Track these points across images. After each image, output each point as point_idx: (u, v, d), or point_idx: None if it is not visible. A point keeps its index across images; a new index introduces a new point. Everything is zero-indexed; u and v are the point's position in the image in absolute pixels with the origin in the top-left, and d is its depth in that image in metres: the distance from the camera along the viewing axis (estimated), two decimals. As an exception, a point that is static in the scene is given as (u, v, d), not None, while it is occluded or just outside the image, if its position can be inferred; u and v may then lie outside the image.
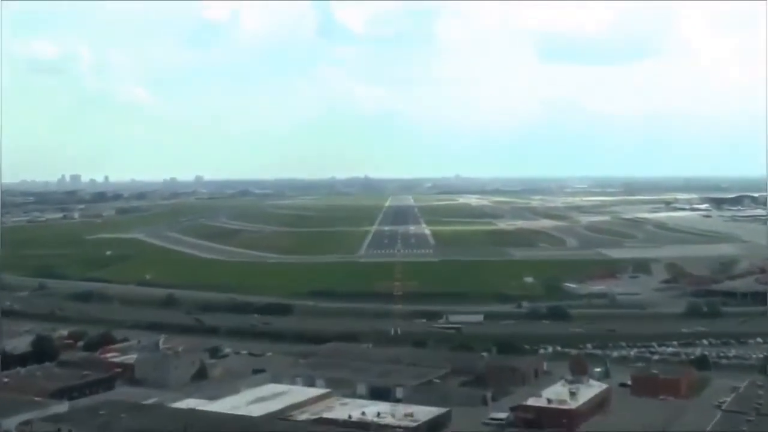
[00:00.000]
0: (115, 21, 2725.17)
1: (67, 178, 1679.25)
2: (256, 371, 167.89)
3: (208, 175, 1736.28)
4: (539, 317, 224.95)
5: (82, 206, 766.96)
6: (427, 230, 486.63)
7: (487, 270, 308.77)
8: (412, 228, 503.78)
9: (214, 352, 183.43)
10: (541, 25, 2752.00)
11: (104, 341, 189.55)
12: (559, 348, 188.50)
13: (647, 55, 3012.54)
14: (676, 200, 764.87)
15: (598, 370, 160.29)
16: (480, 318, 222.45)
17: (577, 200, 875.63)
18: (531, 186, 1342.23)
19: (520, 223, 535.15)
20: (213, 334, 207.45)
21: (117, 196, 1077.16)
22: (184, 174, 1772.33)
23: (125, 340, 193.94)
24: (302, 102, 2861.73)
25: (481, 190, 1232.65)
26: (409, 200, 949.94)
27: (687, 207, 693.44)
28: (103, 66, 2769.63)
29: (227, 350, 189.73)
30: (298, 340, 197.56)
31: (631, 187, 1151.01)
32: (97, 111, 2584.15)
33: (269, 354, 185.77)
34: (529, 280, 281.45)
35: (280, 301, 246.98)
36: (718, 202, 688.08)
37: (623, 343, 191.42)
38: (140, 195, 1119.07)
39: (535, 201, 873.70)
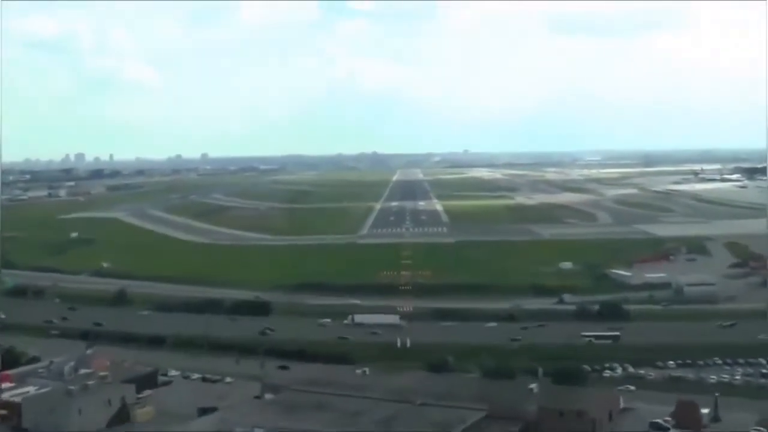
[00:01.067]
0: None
1: (71, 157, 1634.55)
2: (203, 411, 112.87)
3: (214, 153, 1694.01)
4: (589, 317, 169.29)
5: (72, 184, 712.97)
6: (438, 206, 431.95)
7: (513, 253, 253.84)
8: (421, 204, 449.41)
9: (149, 379, 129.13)
10: None
11: (2, 363, 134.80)
12: (630, 368, 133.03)
13: (657, 28, 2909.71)
14: (703, 171, 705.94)
15: (704, 412, 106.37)
16: (395, 319, 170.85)
17: (593, 173, 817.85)
18: (542, 160, 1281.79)
19: (541, 197, 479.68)
20: (160, 346, 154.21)
21: (115, 174, 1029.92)
22: (190, 152, 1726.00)
23: (35, 359, 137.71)
24: (309, 78, 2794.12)
25: (491, 164, 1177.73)
26: (418, 174, 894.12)
27: (717, 177, 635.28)
28: (108, 43, 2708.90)
29: (172, 373, 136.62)
30: (272, 354, 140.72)
31: (648, 159, 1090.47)
32: (102, 89, 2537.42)
33: (229, 379, 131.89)
34: (566, 265, 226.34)
35: (259, 297, 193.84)
36: (750, 172, 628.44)
37: (718, 360, 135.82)
38: (139, 172, 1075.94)
39: (550, 174, 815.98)
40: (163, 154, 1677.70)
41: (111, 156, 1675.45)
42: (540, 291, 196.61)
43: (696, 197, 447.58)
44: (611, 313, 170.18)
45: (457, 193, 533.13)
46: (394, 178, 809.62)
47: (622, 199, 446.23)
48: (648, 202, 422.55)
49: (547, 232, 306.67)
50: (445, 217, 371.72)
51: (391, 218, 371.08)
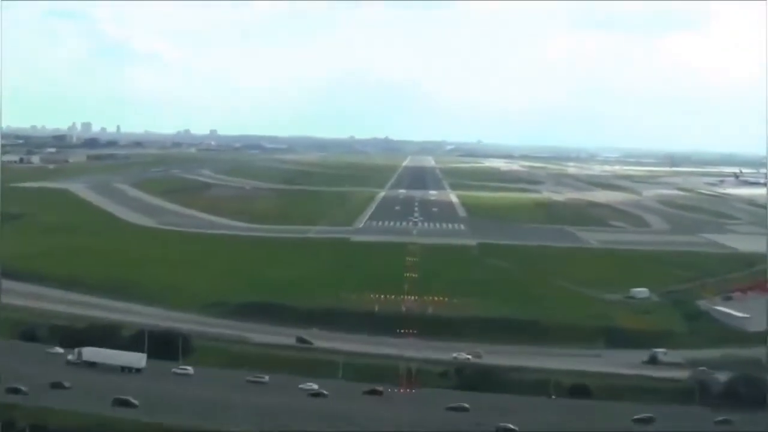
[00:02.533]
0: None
1: (78, 126, 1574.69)
2: None
3: (224, 130, 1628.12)
4: (714, 396, 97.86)
5: (52, 150, 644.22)
6: (453, 196, 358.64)
7: (557, 266, 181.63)
8: (433, 193, 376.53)
9: None
10: None
11: None
12: None
13: (678, 28, 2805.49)
14: (742, 173, 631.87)
15: None
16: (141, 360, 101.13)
17: (617, 169, 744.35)
18: (558, 154, 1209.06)
19: (571, 193, 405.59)
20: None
21: (111, 143, 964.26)
22: (200, 128, 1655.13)
23: None
24: (323, 61, 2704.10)
25: (507, 155, 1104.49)
26: (430, 161, 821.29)
27: (761, 181, 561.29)
28: (122, 14, 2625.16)
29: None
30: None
31: (673, 159, 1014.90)
32: (114, 60, 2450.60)
33: None
34: (640, 292, 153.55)
35: (173, 327, 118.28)
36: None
37: None
38: (137, 143, 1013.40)
39: (572, 168, 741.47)
40: (171, 129, 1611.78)
41: (118, 127, 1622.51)
42: (614, 336, 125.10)
43: (752, 202, 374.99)
44: (753, 391, 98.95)
45: (474, 183, 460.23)
46: (404, 163, 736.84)
47: (668, 200, 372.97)
48: (700, 206, 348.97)
49: (593, 237, 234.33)
50: (461, 211, 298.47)
51: (396, 208, 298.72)
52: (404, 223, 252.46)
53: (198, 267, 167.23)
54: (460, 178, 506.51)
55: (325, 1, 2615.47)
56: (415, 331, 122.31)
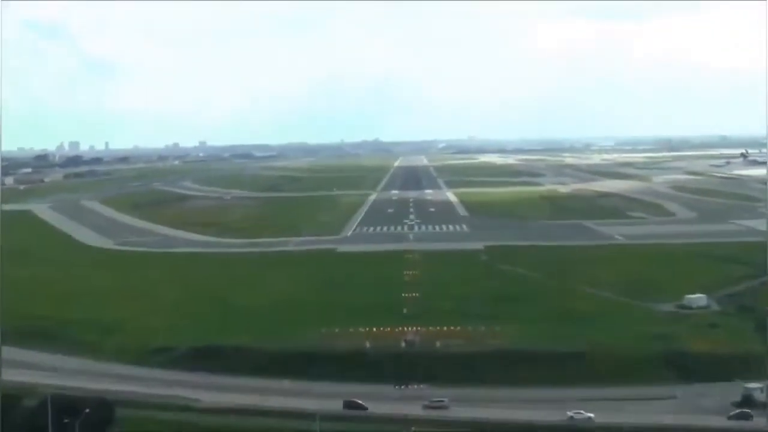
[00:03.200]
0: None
1: (66, 146, 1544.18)
2: None
3: (214, 141, 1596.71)
4: None
5: (27, 170, 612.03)
6: (451, 196, 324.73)
7: (584, 269, 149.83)
8: (429, 193, 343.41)
9: None
10: None
11: None
12: None
13: (667, 13, 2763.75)
14: (749, 153, 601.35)
15: None
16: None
17: (617, 157, 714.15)
18: (551, 146, 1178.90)
19: (576, 184, 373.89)
20: None
21: (95, 160, 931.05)
22: (189, 140, 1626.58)
23: None
24: (310, 66, 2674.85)
25: (500, 150, 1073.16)
26: (422, 160, 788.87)
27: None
28: (104, 30, 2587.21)
29: None
30: None
31: (671, 144, 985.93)
32: (99, 77, 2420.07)
33: None
34: (697, 300, 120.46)
35: (94, 390, 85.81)
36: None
37: None
38: (122, 159, 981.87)
39: (569, 158, 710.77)
40: (160, 143, 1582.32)
41: (106, 144, 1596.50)
42: (683, 366, 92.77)
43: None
44: None
45: (471, 179, 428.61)
46: (396, 164, 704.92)
47: (681, 185, 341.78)
48: (718, 189, 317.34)
49: (616, 232, 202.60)
50: (461, 210, 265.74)
51: (390, 211, 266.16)
52: (399, 228, 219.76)
53: (147, 298, 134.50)
54: (455, 175, 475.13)
55: (308, 2, 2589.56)
56: (419, 377, 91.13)
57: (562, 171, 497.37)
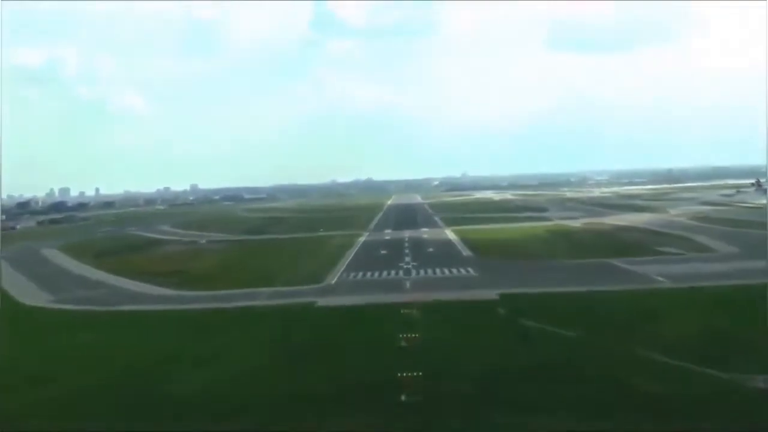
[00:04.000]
0: (99, 26, 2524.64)
1: (56, 192, 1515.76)
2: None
3: (205, 184, 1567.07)
4: None
5: (2, 218, 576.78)
6: (450, 234, 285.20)
7: (634, 324, 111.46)
8: (425, 231, 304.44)
9: None
10: (549, 11, 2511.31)
11: None
12: None
13: (658, 40, 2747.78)
14: (761, 182, 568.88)
15: None
16: None
17: (618, 190, 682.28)
18: (546, 181, 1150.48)
19: (586, 218, 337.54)
20: None
21: (80, 206, 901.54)
22: (181, 183, 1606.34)
23: None
24: (300, 106, 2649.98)
25: (495, 186, 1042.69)
26: (416, 198, 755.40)
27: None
28: (93, 74, 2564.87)
29: None
30: None
31: (672, 176, 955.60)
32: (88, 122, 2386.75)
33: None
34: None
35: None
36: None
37: None
38: (108, 204, 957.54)
39: (568, 193, 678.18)
40: (151, 187, 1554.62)
41: (97, 190, 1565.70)
42: None
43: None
44: None
45: (470, 216, 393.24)
46: (389, 202, 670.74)
47: (703, 216, 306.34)
48: (748, 219, 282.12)
49: (654, 271, 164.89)
50: (465, 250, 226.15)
51: (382, 252, 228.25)
52: (393, 273, 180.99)
53: (58, 380, 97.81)
54: (452, 212, 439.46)
55: (299, 44, 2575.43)
56: None
57: (566, 205, 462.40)
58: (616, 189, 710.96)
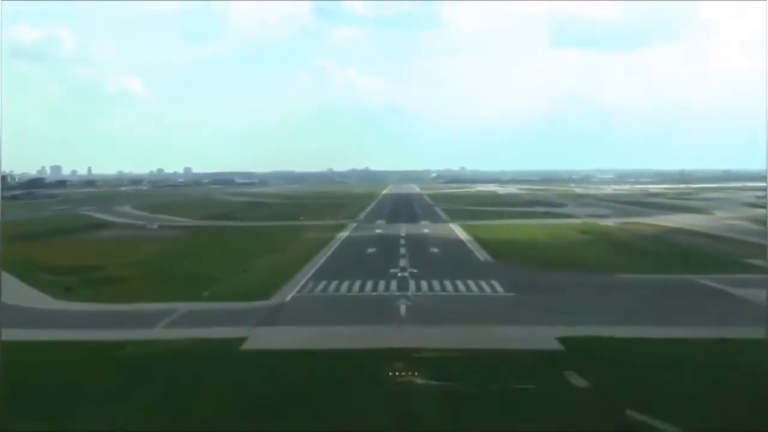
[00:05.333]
0: (99, 7, 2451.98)
1: (48, 170, 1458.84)
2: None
3: (201, 168, 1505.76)
4: None
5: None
6: (459, 230, 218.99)
7: None
8: (426, 225, 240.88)
9: None
10: (553, 8, 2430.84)
11: None
12: None
13: (662, 39, 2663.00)
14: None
15: None
16: None
17: (633, 188, 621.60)
18: (548, 177, 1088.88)
19: (617, 218, 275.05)
20: None
21: (59, 183, 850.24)
22: (175, 166, 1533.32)
23: None
24: (300, 93, 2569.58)
25: (495, 180, 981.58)
26: (414, 188, 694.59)
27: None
28: (91, 55, 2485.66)
29: None
30: None
31: (684, 177, 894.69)
32: (85, 102, 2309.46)
33: None
34: None
35: None
36: None
37: None
38: (89, 183, 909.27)
39: (578, 189, 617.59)
40: (146, 169, 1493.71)
41: (89, 169, 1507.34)
42: None
43: None
44: None
45: (478, 209, 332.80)
46: (385, 191, 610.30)
47: (764, 220, 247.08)
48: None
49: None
50: (481, 253, 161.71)
51: (370, 251, 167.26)
52: (382, 286, 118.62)
53: None
54: (456, 204, 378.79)
55: (300, 29, 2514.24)
56: None
57: (582, 201, 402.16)
58: (629, 187, 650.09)
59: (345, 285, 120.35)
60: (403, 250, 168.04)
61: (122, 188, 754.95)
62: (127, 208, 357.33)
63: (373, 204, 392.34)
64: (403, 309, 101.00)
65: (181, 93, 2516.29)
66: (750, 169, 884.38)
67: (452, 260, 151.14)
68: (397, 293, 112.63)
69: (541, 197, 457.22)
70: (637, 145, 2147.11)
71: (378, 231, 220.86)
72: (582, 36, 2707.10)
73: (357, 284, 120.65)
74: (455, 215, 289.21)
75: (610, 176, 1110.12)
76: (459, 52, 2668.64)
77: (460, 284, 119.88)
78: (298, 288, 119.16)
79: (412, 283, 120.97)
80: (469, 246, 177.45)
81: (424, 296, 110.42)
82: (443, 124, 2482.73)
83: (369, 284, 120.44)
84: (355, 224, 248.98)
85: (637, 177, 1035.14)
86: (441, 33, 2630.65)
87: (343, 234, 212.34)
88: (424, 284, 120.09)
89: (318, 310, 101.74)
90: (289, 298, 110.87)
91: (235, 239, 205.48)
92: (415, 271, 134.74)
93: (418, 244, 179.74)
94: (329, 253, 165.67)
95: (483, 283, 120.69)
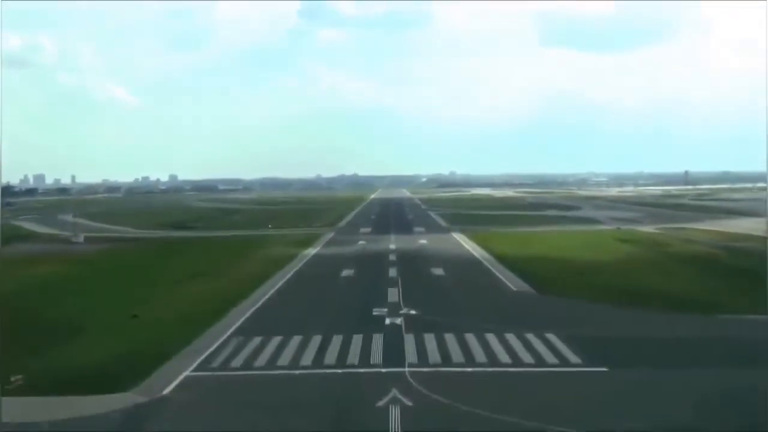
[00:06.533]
0: (83, 14, 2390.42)
1: (30, 179, 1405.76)
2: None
3: (187, 175, 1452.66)
4: None
5: None
6: (466, 242, 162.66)
7: None
8: (422, 235, 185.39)
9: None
10: (543, 6, 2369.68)
11: None
12: None
13: (654, 40, 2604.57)
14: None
15: None
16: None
17: (641, 190, 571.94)
18: (541, 180, 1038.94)
19: (659, 224, 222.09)
20: None
21: (29, 191, 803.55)
22: (160, 174, 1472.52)
23: None
24: (287, 98, 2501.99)
25: (489, 184, 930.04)
26: (404, 193, 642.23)
27: None
28: (75, 62, 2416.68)
29: None
30: None
31: (689, 178, 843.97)
32: (70, 110, 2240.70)
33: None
34: None
35: None
36: None
37: None
38: (62, 190, 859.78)
39: (580, 192, 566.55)
40: (130, 176, 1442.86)
41: (73, 178, 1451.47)
42: None
43: None
44: None
45: (482, 213, 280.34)
46: (373, 195, 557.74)
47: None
48: None
49: None
50: (511, 280, 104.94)
51: (344, 276, 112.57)
52: (354, 349, 64.35)
53: None
54: (454, 208, 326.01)
55: (287, 34, 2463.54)
56: None
57: (597, 204, 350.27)
58: (631, 189, 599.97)
59: (291, 348, 66.12)
60: (393, 272, 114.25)
61: (93, 196, 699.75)
62: (68, 218, 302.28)
63: (358, 209, 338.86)
64: (394, 417, 47.01)
65: (167, 100, 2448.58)
66: (750, 171, 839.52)
67: (470, 292, 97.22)
68: (383, 369, 58.62)
69: (546, 200, 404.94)
70: (630, 147, 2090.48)
71: (361, 243, 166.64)
72: (574, 35, 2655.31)
73: (312, 346, 66.42)
74: (456, 221, 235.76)
75: (604, 179, 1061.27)
76: (448, 53, 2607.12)
77: (492, 342, 66.13)
78: (204, 356, 64.80)
79: (409, 343, 67.06)
80: (487, 265, 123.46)
81: (433, 378, 56.18)
82: (433, 128, 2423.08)
83: (333, 346, 66.31)
84: (332, 234, 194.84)
85: (634, 179, 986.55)
86: (429, 33, 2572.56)
87: (314, 249, 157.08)
88: (430, 344, 66.22)
89: (222, 420, 47.77)
90: (174, 384, 56.32)
91: (166, 256, 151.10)
92: (413, 312, 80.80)
93: (414, 264, 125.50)
94: (285, 279, 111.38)
95: (532, 339, 66.98)
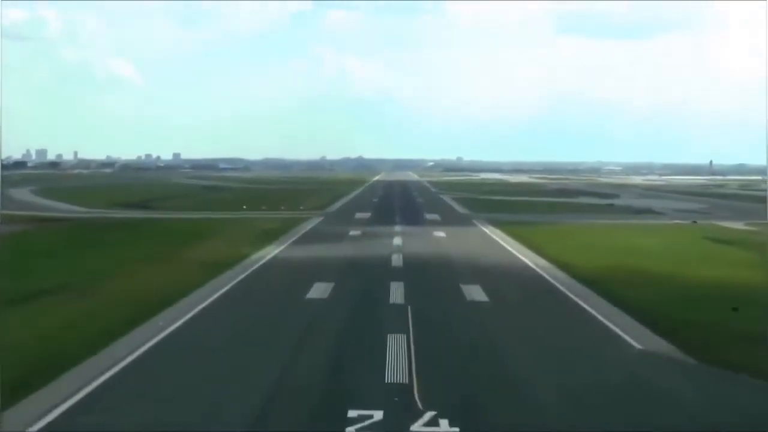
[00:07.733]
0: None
1: (32, 153, 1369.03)
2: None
3: (191, 154, 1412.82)
4: None
5: None
6: (506, 241, 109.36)
7: None
8: (438, 226, 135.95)
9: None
10: None
11: None
12: None
13: (671, 28, 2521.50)
14: None
15: None
16: None
17: (671, 179, 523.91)
18: (549, 168, 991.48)
19: (745, 219, 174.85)
20: None
21: (18, 164, 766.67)
22: (164, 152, 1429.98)
23: None
24: (294, 79, 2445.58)
25: (496, 170, 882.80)
26: (411, 176, 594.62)
27: None
28: (81, 37, 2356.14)
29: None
30: None
31: (714, 169, 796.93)
32: (75, 85, 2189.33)
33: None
34: None
35: None
36: None
37: None
38: (52, 164, 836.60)
39: (600, 179, 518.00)
40: (134, 153, 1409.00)
41: (75, 153, 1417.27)
42: None
43: None
44: None
45: (507, 199, 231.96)
46: (376, 177, 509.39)
47: None
48: None
49: None
50: (627, 329, 52.26)
51: (310, 299, 61.20)
52: None
53: None
54: (470, 193, 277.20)
55: (292, 22, 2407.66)
56: None
57: (635, 192, 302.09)
58: (655, 178, 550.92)
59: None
60: (397, 295, 63.83)
61: (79, 171, 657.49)
62: (25, 193, 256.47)
63: (358, 191, 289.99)
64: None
65: (173, 78, 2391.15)
66: (763, 164, 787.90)
67: (550, 352, 46.28)
68: None
69: (570, 186, 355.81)
70: (640, 137, 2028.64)
71: (353, 234, 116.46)
72: (587, 24, 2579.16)
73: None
74: (477, 208, 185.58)
75: (618, 168, 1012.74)
76: (458, 39, 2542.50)
77: None
78: None
79: None
80: (555, 283, 72.92)
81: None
82: (441, 113, 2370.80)
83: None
84: (318, 221, 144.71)
85: (646, 169, 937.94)
86: (440, 17, 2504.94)
87: (279, 247, 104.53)
88: None
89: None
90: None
91: (65, 248, 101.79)
92: (439, 397, 30.79)
93: (432, 277, 75.19)
94: (214, 297, 61.30)
95: None
